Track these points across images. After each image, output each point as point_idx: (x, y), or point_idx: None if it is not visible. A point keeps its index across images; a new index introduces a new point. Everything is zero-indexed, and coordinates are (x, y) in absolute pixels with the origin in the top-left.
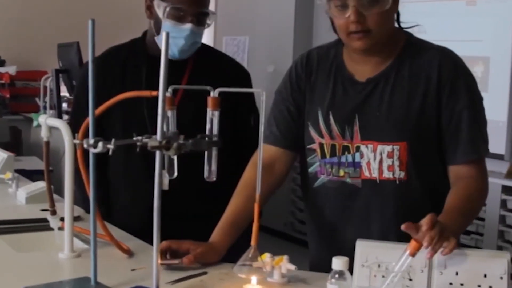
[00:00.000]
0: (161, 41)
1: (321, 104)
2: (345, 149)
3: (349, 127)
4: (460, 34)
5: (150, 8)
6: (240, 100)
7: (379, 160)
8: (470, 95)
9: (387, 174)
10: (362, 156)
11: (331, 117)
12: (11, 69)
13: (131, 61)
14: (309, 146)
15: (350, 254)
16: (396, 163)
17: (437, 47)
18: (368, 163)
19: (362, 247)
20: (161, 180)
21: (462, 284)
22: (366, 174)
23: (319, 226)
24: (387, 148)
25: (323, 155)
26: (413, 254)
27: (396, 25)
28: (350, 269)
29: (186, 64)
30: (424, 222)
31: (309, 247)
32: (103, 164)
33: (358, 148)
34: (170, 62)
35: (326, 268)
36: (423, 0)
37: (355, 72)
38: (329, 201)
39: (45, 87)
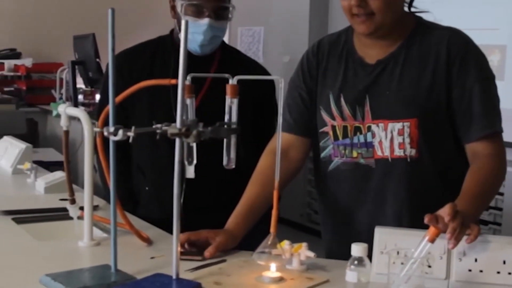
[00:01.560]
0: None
1: (332, 87)
2: (357, 129)
3: (360, 108)
4: (477, 23)
5: (173, 8)
6: (264, 104)
7: (390, 138)
8: (480, 71)
9: (398, 152)
10: (373, 135)
11: (342, 99)
12: (27, 61)
13: (159, 55)
14: (321, 130)
15: (366, 237)
16: (407, 140)
17: (446, 27)
18: (380, 142)
19: (381, 234)
20: (180, 167)
21: (481, 271)
22: (379, 153)
23: (334, 211)
24: (397, 125)
25: (335, 137)
26: (432, 241)
27: (406, 9)
28: (369, 255)
29: (211, 62)
30: (446, 213)
31: (323, 236)
32: (126, 161)
33: (369, 128)
34: (196, 59)
35: (342, 254)
36: None
37: (365, 55)
38: (344, 184)
39: (61, 79)
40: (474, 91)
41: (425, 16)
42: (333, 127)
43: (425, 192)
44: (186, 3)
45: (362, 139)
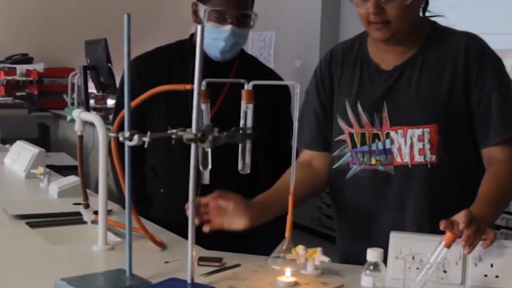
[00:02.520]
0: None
1: (348, 95)
2: (375, 136)
3: (378, 114)
4: (490, 27)
5: (195, 12)
6: (281, 110)
7: (410, 145)
8: (497, 76)
9: (418, 158)
10: (392, 142)
11: (359, 105)
12: (39, 66)
13: (178, 60)
14: (338, 138)
15: (385, 244)
16: (427, 146)
17: (462, 32)
18: (399, 149)
19: (396, 239)
20: (195, 172)
21: (497, 276)
22: (398, 160)
23: (353, 219)
24: (417, 131)
25: (353, 145)
26: (448, 246)
27: (421, 13)
28: (384, 260)
29: (230, 68)
30: (461, 220)
31: (339, 242)
32: (141, 164)
33: (388, 135)
34: (214, 65)
35: (359, 261)
36: None
37: (381, 61)
38: (362, 192)
39: (72, 84)
40: (492, 96)
41: (439, 20)
42: (351, 135)
43: (445, 197)
44: (210, 9)
45: (380, 146)
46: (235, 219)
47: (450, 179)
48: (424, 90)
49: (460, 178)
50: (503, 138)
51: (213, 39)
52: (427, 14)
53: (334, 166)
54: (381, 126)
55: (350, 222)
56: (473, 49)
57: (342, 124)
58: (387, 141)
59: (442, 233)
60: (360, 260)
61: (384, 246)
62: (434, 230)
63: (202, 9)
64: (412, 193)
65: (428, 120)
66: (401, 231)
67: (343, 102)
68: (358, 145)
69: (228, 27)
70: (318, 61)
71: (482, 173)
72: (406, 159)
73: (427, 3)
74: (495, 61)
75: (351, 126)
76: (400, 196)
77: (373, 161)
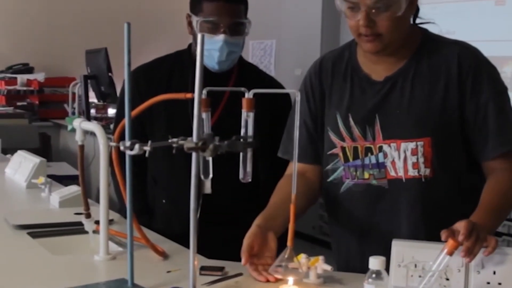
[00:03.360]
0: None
1: (339, 107)
2: (368, 150)
3: (370, 128)
4: (489, 34)
5: (190, 24)
6: (281, 117)
7: (403, 158)
8: (493, 86)
9: (412, 172)
10: (385, 156)
11: (350, 119)
12: (39, 76)
13: (177, 69)
14: (330, 152)
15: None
16: (421, 160)
17: (454, 41)
18: (393, 162)
19: (398, 246)
20: (197, 181)
21: (500, 283)
22: (392, 173)
23: (347, 233)
24: (411, 145)
25: (346, 159)
26: (450, 253)
27: (411, 21)
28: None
29: (229, 78)
30: (461, 231)
31: (335, 256)
32: (142, 174)
33: (381, 148)
34: (214, 75)
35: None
36: (452, 0)
37: (372, 72)
38: (356, 206)
39: (73, 93)
40: (488, 107)
41: (430, 28)
42: (343, 149)
43: (439, 211)
44: (202, 19)
45: (373, 160)
46: (267, 248)
47: (444, 192)
48: (417, 103)
49: (454, 190)
50: (502, 152)
51: (208, 49)
52: (417, 20)
53: (329, 180)
54: (373, 140)
55: (345, 234)
56: (467, 59)
57: (333, 137)
58: (380, 155)
59: (442, 242)
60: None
61: None
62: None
63: (194, 20)
64: (407, 207)
65: (422, 133)
66: (403, 239)
67: (334, 115)
68: (351, 159)
69: (221, 37)
70: (307, 71)
71: (476, 183)
72: (400, 173)
73: (417, 10)
74: (490, 70)
75: (343, 140)
76: (394, 210)
77: (366, 175)
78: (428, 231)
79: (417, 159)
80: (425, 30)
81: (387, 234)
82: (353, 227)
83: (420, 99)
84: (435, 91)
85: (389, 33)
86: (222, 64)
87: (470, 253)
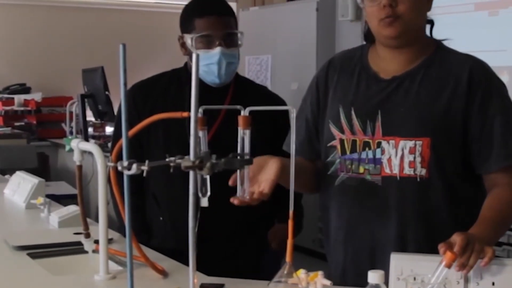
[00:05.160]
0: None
1: (343, 101)
2: (366, 145)
3: (371, 123)
4: (484, 45)
5: (183, 45)
6: (280, 132)
7: (400, 156)
8: (502, 100)
9: (408, 171)
10: (383, 152)
11: (353, 112)
12: (36, 96)
13: (173, 87)
14: (329, 144)
15: (366, 255)
16: (418, 159)
17: (466, 54)
18: (389, 160)
19: (397, 260)
20: (195, 199)
21: None
22: (387, 170)
23: (335, 228)
24: (409, 143)
25: (343, 151)
26: (449, 266)
27: (428, 33)
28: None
29: (225, 94)
30: (456, 246)
31: (327, 257)
32: (140, 192)
33: (379, 144)
34: (210, 91)
35: (342, 271)
36: (447, 12)
37: (381, 70)
38: (347, 200)
39: (71, 113)
40: (496, 122)
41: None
42: (341, 141)
43: (431, 214)
44: (196, 35)
45: (370, 155)
46: (266, 166)
47: (438, 196)
48: (421, 104)
49: (447, 196)
50: (504, 165)
51: (206, 65)
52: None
53: (329, 173)
54: (373, 135)
55: (333, 229)
56: (479, 72)
57: (333, 129)
58: (378, 151)
59: (431, 247)
60: (341, 267)
61: (365, 258)
62: (418, 244)
63: (188, 38)
64: (398, 206)
65: (422, 133)
66: (402, 253)
67: (337, 108)
68: (348, 152)
69: (217, 50)
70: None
71: (470, 195)
72: (395, 171)
73: (433, 24)
74: (499, 86)
75: (342, 132)
76: (384, 208)
77: (361, 170)
78: (417, 235)
79: (414, 158)
80: (440, 42)
81: (374, 233)
82: (343, 221)
83: (424, 101)
84: (441, 95)
85: (408, 15)
86: (223, 77)
87: (465, 267)
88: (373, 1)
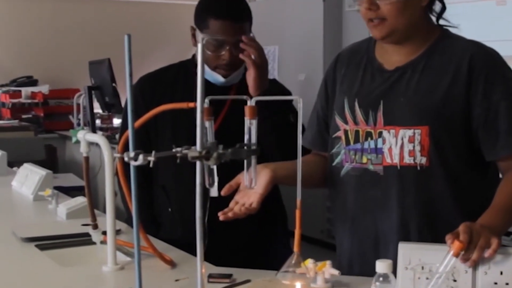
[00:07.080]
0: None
1: (348, 93)
2: (368, 135)
3: (373, 112)
4: (492, 34)
5: (194, 36)
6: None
7: (400, 145)
8: (507, 86)
9: (408, 160)
10: (384, 141)
11: (356, 103)
12: (44, 88)
13: (181, 79)
14: (334, 135)
15: (371, 244)
16: (417, 148)
17: (471, 41)
18: (390, 149)
19: (405, 249)
20: (201, 189)
21: (507, 284)
22: (388, 160)
23: (342, 218)
24: (408, 132)
25: (347, 142)
26: (457, 255)
27: (435, 21)
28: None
29: (230, 86)
30: (461, 234)
31: (337, 247)
32: (148, 184)
33: (380, 134)
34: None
35: (350, 257)
36: (453, 2)
37: (385, 62)
38: (351, 190)
39: (78, 105)
40: (500, 107)
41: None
42: (346, 132)
43: (433, 202)
44: (207, 37)
45: (372, 145)
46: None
47: (439, 183)
48: (421, 93)
49: (449, 184)
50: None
51: (214, 67)
52: (443, 22)
53: (334, 164)
54: (374, 125)
55: (340, 219)
56: (480, 58)
57: (338, 120)
58: (379, 140)
59: (435, 235)
60: (350, 253)
61: (370, 246)
62: (420, 232)
63: (199, 35)
64: (399, 195)
65: (420, 122)
66: (409, 242)
67: (342, 100)
68: (352, 143)
69: (226, 55)
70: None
71: (475, 182)
72: (396, 160)
73: (443, 9)
74: (504, 71)
75: (346, 122)
76: (386, 197)
77: (364, 160)
78: (420, 222)
79: (414, 147)
80: (445, 30)
81: (378, 222)
82: (347, 211)
83: (424, 90)
84: (441, 84)
85: (392, 18)
86: (230, 78)
87: (469, 259)
88: (360, 3)
